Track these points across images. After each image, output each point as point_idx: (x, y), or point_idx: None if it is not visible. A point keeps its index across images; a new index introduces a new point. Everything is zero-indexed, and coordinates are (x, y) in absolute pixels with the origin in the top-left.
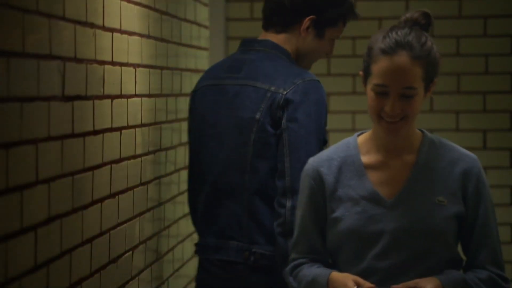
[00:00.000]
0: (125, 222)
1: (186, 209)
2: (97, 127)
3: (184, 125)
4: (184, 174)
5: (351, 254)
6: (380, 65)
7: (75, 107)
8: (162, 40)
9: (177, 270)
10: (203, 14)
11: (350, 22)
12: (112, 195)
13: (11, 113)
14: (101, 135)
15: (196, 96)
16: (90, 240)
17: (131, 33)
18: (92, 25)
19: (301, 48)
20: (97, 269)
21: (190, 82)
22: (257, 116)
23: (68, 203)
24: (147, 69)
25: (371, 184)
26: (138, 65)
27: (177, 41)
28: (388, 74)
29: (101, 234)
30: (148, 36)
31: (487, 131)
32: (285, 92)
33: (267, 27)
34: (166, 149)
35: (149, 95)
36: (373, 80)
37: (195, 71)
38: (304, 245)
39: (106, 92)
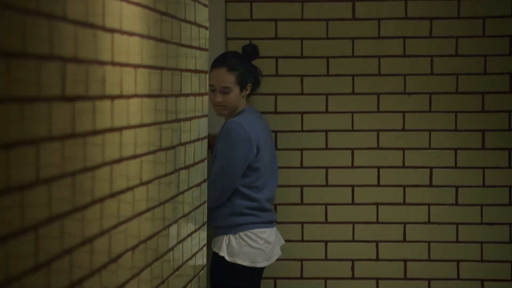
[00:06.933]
0: (125, 222)
1: (186, 209)
2: (97, 127)
3: (184, 125)
4: (184, 174)
5: None
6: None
7: (75, 107)
8: (162, 40)
9: (177, 270)
10: (203, 14)
11: (349, 23)
12: (112, 195)
13: (12, 114)
14: (102, 135)
15: None
16: (90, 240)
17: (131, 34)
18: (93, 26)
19: None
20: (98, 269)
21: (190, 83)
22: None
23: (69, 203)
24: (147, 70)
25: None
26: (138, 66)
27: (177, 41)
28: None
29: (101, 234)
30: (148, 37)
31: (485, 132)
32: None
33: None
34: (166, 149)
35: (149, 96)
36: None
37: (195, 71)
38: None
39: (107, 93)
